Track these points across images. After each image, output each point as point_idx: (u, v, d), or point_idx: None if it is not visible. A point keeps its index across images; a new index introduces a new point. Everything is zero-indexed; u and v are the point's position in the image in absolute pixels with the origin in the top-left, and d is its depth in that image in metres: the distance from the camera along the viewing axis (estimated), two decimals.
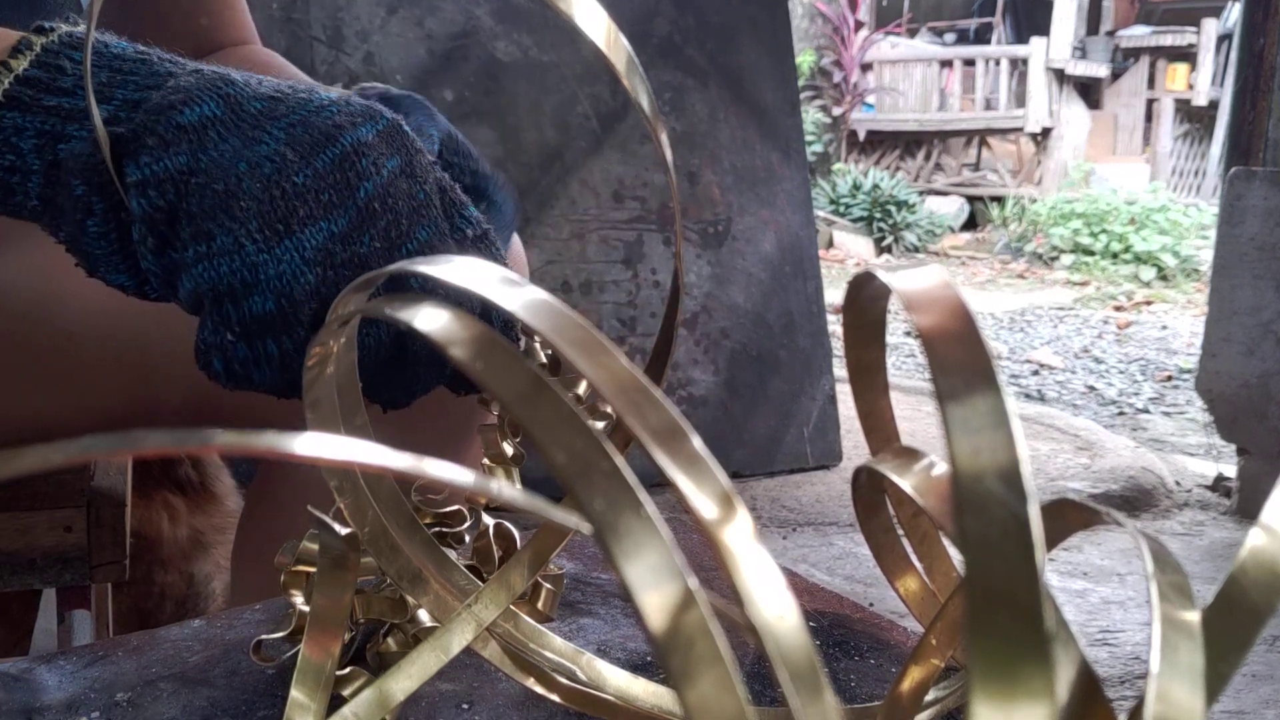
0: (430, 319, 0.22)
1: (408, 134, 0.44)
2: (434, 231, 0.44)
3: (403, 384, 0.44)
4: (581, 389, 0.43)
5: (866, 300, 0.32)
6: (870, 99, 10.07)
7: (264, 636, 0.45)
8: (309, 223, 0.40)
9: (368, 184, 0.41)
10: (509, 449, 0.45)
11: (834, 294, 4.47)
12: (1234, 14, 9.04)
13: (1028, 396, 3.88)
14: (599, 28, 0.35)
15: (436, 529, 0.45)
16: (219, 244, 0.39)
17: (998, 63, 10.05)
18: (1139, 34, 10.62)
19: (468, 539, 0.46)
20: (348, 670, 0.42)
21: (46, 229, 0.43)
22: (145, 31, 0.73)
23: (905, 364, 4.27)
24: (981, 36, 12.15)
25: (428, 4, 2.23)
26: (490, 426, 0.46)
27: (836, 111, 9.47)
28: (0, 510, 0.74)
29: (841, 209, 8.07)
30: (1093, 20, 10.98)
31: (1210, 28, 9.94)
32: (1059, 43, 9.98)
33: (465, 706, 0.44)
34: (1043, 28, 10.30)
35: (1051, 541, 0.25)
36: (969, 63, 10.26)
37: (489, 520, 0.46)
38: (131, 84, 0.42)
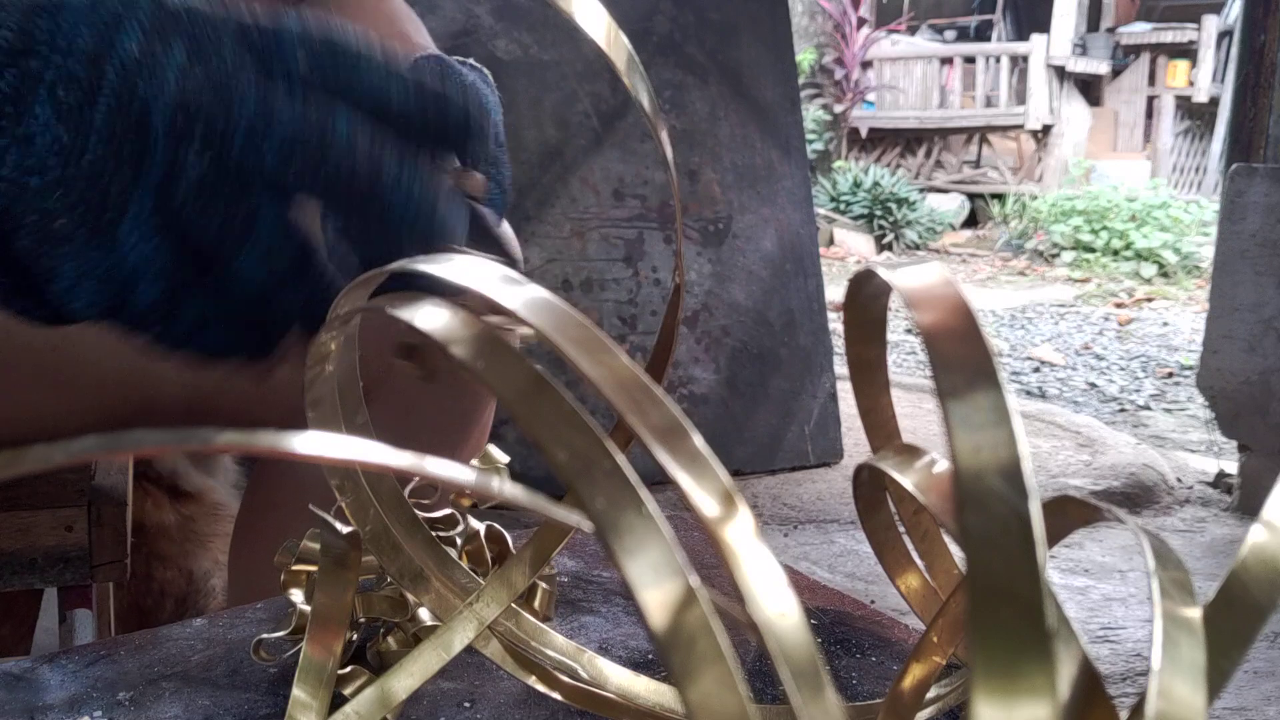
0: (430, 318, 0.22)
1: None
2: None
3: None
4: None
5: (867, 297, 0.31)
6: (871, 96, 10.07)
7: (266, 635, 0.45)
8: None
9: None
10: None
11: (835, 291, 4.47)
12: (1234, 10, 9.03)
13: (1029, 393, 3.88)
14: (599, 26, 0.35)
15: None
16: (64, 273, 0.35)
17: (998, 60, 10.04)
18: (1139, 30, 10.62)
19: (459, 543, 0.46)
20: (349, 669, 0.42)
21: None
22: None
23: (906, 361, 4.27)
24: (982, 33, 12.14)
25: (427, 2, 2.23)
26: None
27: (837, 109, 9.47)
28: (1, 510, 0.74)
29: (842, 206, 8.07)
30: (1093, 17, 10.97)
31: (1211, 24, 9.94)
32: (1059, 39, 9.97)
33: (467, 705, 0.45)
34: (1043, 24, 10.30)
35: (1053, 538, 0.25)
36: (969, 60, 10.26)
37: (476, 524, 0.46)
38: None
